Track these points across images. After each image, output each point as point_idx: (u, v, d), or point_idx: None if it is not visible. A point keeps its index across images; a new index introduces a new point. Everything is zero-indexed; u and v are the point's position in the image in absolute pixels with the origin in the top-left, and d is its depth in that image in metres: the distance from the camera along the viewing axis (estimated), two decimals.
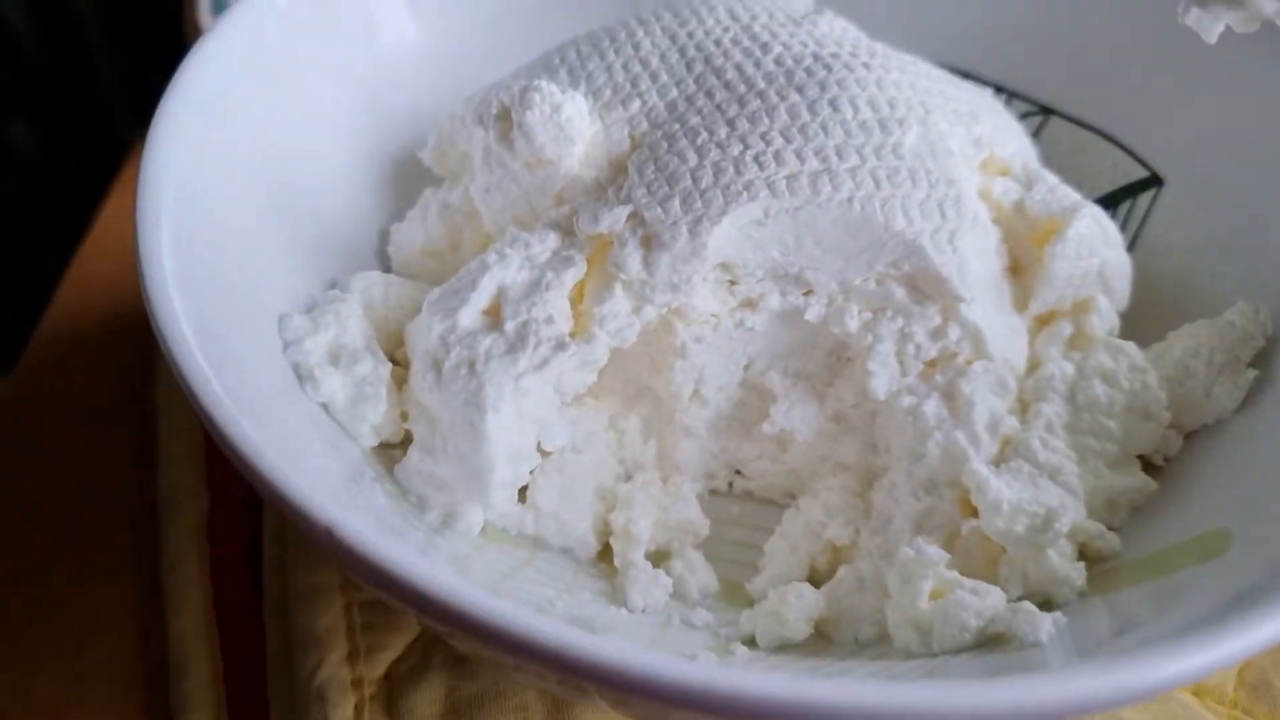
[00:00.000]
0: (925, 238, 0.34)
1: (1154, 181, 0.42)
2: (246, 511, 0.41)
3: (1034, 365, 0.37)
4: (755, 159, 0.34)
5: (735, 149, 0.34)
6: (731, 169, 0.34)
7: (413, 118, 0.42)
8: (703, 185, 0.34)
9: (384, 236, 0.41)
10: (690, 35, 0.38)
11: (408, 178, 0.42)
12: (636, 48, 0.38)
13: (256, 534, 0.41)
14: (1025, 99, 0.46)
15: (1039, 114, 0.45)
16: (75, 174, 0.98)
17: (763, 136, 0.35)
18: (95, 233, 0.54)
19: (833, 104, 0.35)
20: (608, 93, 0.37)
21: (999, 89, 0.46)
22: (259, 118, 0.38)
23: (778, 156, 0.34)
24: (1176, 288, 0.39)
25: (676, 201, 0.34)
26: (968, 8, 0.46)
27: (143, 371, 0.47)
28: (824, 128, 0.35)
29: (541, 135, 0.35)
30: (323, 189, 0.40)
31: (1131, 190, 0.43)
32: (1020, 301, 0.37)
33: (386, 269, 0.41)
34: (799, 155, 0.34)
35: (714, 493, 0.39)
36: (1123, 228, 0.41)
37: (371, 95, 0.42)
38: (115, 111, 0.98)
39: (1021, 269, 0.38)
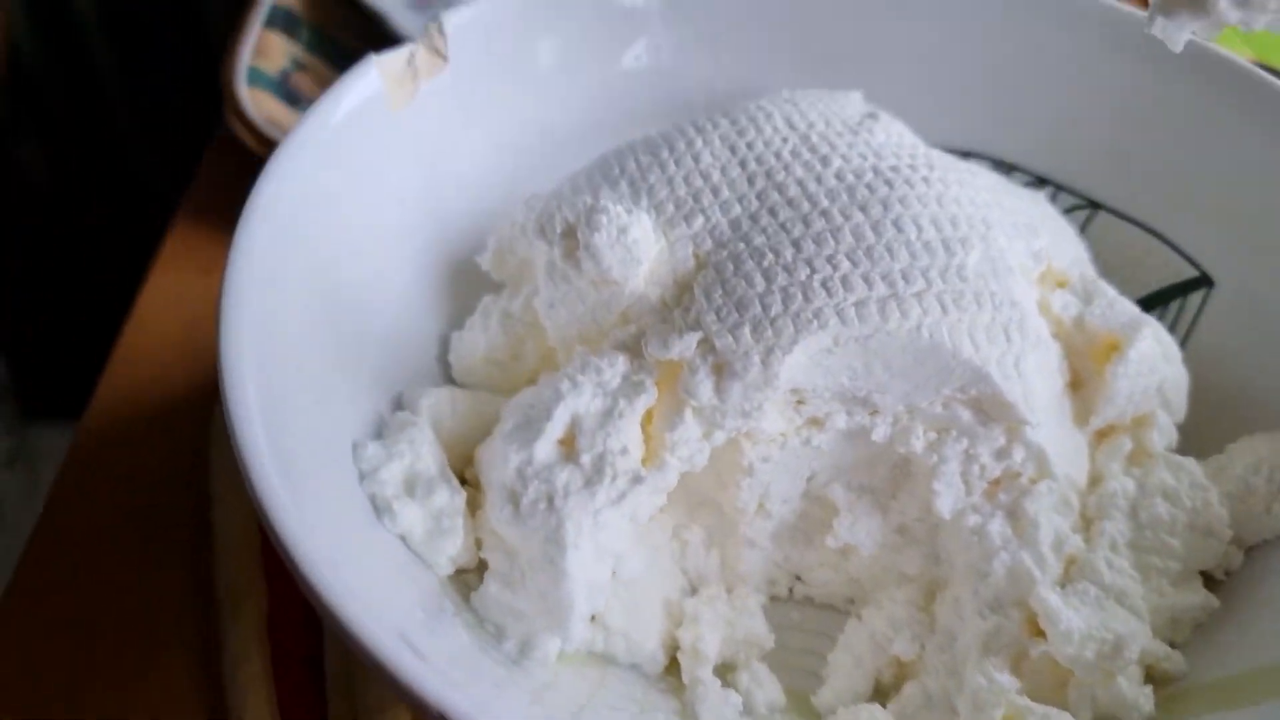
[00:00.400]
0: (992, 365, 0.34)
1: (1204, 282, 0.43)
2: (306, 609, 0.42)
3: (1095, 480, 0.38)
4: (823, 284, 0.34)
5: (802, 273, 0.35)
6: (800, 295, 0.34)
7: (469, 222, 0.43)
8: (772, 313, 0.34)
9: (444, 343, 0.42)
10: (750, 146, 0.39)
11: (465, 283, 0.42)
12: (697, 159, 0.39)
13: (316, 632, 0.41)
14: (1073, 193, 0.46)
15: (1086, 208, 0.46)
16: (82, 193, 0.98)
17: (829, 260, 0.35)
18: (139, 311, 0.55)
19: (896, 224, 0.36)
20: (670, 208, 0.37)
21: (1045, 181, 0.46)
22: (323, 232, 0.38)
23: (845, 282, 0.34)
24: (1230, 394, 0.40)
25: (747, 330, 0.34)
26: (1014, 101, 0.47)
27: (194, 459, 0.47)
28: (889, 250, 0.35)
29: (609, 257, 0.36)
30: (384, 299, 0.40)
31: (1181, 290, 0.43)
32: (1080, 416, 0.38)
33: (447, 375, 0.41)
34: (866, 280, 0.35)
35: (774, 599, 0.40)
36: (1172, 328, 0.42)
37: (428, 202, 0.42)
38: (126, 137, 0.99)
39: (1081, 383, 0.38)
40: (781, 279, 0.35)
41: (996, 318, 0.35)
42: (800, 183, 0.37)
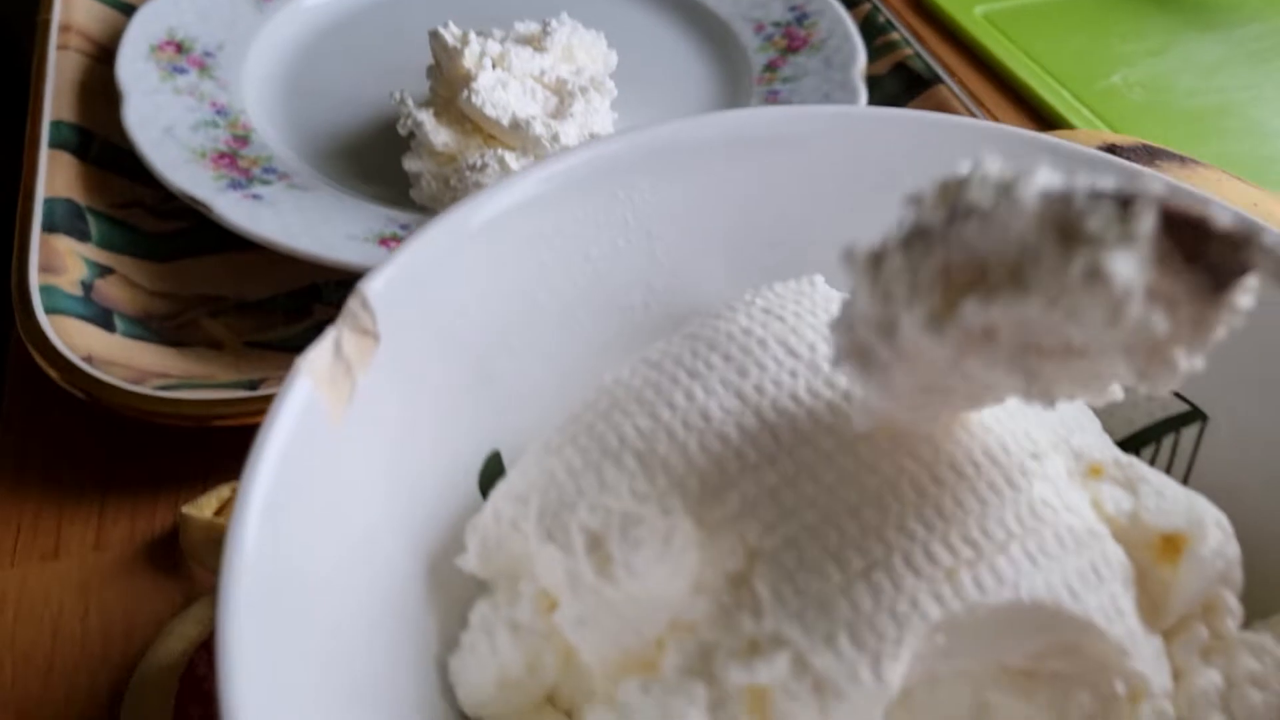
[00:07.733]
0: (1096, 614, 0.32)
1: (1197, 416, 0.42)
2: None
3: (1176, 677, 0.36)
4: (905, 560, 0.31)
5: (876, 550, 0.31)
6: (887, 581, 0.30)
7: (440, 520, 0.36)
8: (864, 609, 0.30)
9: (442, 669, 0.35)
10: (758, 389, 0.34)
11: (446, 590, 0.36)
12: (706, 416, 0.34)
13: None
14: None
15: None
16: None
17: (899, 527, 0.31)
18: None
19: (951, 464, 0.32)
20: (695, 485, 0.33)
21: None
22: (295, 578, 0.31)
23: (927, 551, 0.31)
24: (1240, 536, 0.38)
25: (843, 638, 0.30)
26: None
27: None
28: (956, 500, 0.32)
29: (656, 574, 0.31)
30: (365, 637, 0.33)
31: (1173, 425, 0.42)
32: (1150, 614, 0.36)
33: (454, 710, 0.35)
34: (947, 545, 0.31)
35: None
36: (1168, 467, 0.41)
37: (391, 507, 0.35)
38: None
39: (1142, 577, 0.36)
40: (856, 562, 0.31)
41: (1083, 555, 0.32)
42: (831, 430, 0.33)
